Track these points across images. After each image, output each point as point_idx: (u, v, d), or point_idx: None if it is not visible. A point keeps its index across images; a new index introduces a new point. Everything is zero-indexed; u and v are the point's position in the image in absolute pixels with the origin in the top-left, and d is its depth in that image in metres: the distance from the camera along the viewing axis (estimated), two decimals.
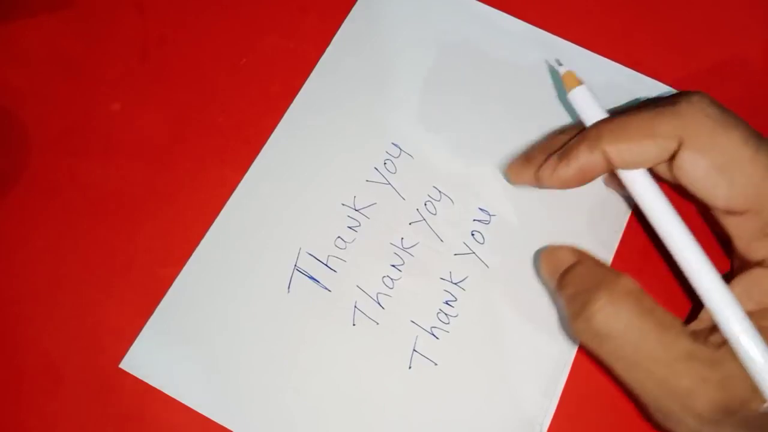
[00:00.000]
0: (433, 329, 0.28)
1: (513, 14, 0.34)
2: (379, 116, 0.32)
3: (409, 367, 0.28)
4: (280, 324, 0.28)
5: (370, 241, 0.30)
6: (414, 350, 0.28)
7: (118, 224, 0.30)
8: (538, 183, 0.25)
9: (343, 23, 0.33)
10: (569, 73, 0.27)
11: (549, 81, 0.33)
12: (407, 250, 0.29)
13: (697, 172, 0.22)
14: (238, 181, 0.30)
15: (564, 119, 0.32)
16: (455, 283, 0.29)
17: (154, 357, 0.28)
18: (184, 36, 0.34)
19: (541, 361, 0.28)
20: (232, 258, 0.29)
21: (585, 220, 0.30)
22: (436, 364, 0.28)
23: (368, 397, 0.27)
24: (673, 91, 0.32)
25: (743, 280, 0.23)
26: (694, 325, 0.23)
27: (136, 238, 0.30)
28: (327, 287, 0.29)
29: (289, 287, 0.29)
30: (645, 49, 0.33)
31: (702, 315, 0.23)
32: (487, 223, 0.30)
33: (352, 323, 0.28)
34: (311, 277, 0.29)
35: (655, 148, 0.22)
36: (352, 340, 0.28)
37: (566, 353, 0.28)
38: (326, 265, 0.29)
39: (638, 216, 0.30)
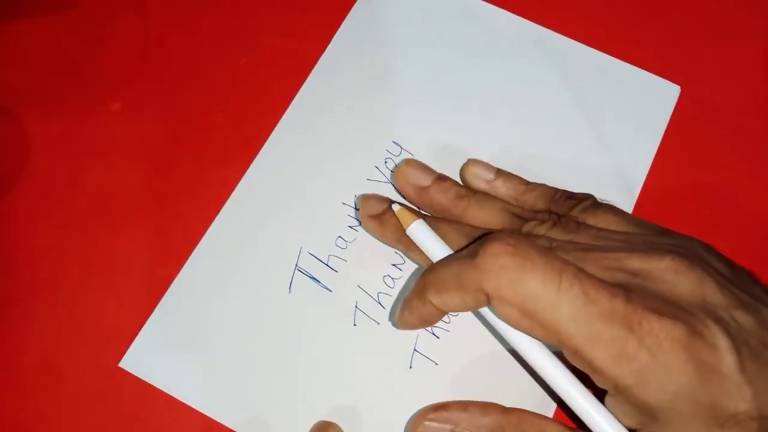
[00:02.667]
0: (433, 328, 0.28)
1: (514, 12, 0.34)
2: (380, 115, 0.32)
3: (410, 367, 0.28)
4: (280, 324, 0.28)
5: (370, 241, 0.30)
6: (415, 350, 0.28)
7: (118, 224, 0.30)
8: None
9: (343, 23, 0.33)
10: (403, 210, 0.26)
11: (549, 79, 0.33)
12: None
13: (511, 320, 0.22)
14: (238, 181, 0.30)
15: (564, 118, 0.32)
16: None
17: (154, 356, 0.28)
18: (184, 36, 0.34)
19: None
20: (233, 257, 0.29)
21: None
22: (436, 364, 0.28)
23: (369, 397, 0.27)
24: (673, 86, 0.32)
25: (608, 405, 0.22)
26: None
27: (135, 238, 0.30)
28: (328, 287, 0.29)
29: (290, 287, 0.29)
30: (645, 46, 0.33)
31: None
32: None
33: (353, 323, 0.28)
34: (312, 277, 0.29)
35: (470, 299, 0.22)
36: (353, 339, 0.28)
37: None
38: (327, 264, 0.29)
39: (638, 214, 0.30)
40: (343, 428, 0.26)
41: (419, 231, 0.26)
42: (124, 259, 0.29)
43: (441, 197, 0.28)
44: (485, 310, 0.24)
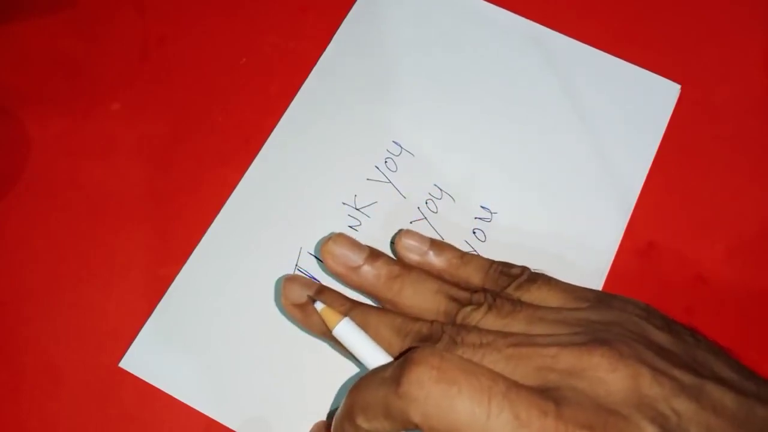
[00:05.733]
0: None
1: (514, 11, 0.34)
2: (380, 115, 0.32)
3: None
4: (280, 324, 0.28)
5: (371, 240, 0.29)
6: None
7: (118, 224, 0.30)
8: None
9: (343, 23, 0.33)
10: (326, 309, 0.25)
11: (549, 78, 0.33)
12: None
13: None
14: (238, 181, 0.30)
15: (564, 117, 0.32)
16: None
17: (154, 356, 0.28)
18: (184, 36, 0.34)
19: None
20: (233, 257, 0.29)
21: (585, 217, 0.30)
22: None
23: None
24: (674, 85, 0.32)
25: None
26: None
27: (135, 238, 0.30)
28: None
29: None
30: (645, 45, 0.33)
31: None
32: (489, 221, 0.30)
33: None
34: (312, 277, 0.29)
35: (401, 427, 0.21)
36: None
37: None
38: None
39: (639, 214, 0.30)
40: None
41: (346, 332, 0.24)
42: (124, 259, 0.29)
43: (372, 279, 0.26)
44: None
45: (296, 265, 0.29)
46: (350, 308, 0.26)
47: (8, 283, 0.29)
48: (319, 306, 0.25)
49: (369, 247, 0.27)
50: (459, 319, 0.24)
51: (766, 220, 0.31)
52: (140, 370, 0.27)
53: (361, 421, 0.22)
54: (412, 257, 0.27)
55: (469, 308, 0.25)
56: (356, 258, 0.27)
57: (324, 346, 0.28)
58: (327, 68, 0.33)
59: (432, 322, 0.24)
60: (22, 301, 0.29)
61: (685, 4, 0.35)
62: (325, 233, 0.30)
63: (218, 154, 0.31)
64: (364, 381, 0.23)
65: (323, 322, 0.25)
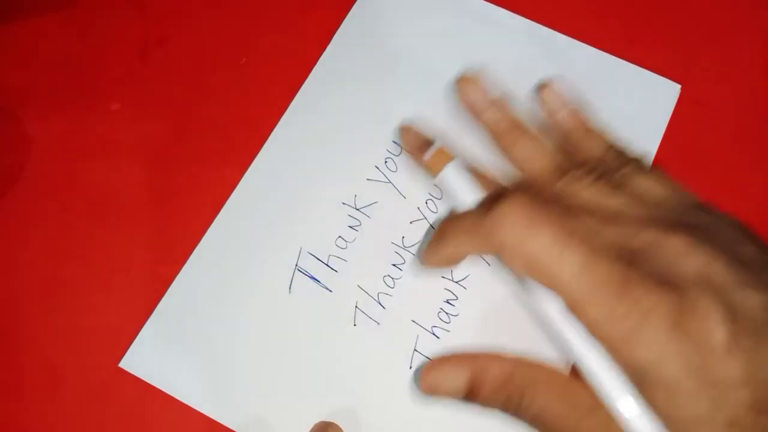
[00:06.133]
0: (434, 328, 0.28)
1: (514, 11, 0.34)
2: (380, 114, 0.32)
3: (410, 367, 0.28)
4: (280, 324, 0.28)
5: (371, 241, 0.30)
6: (415, 350, 0.28)
7: (118, 224, 0.30)
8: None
9: (343, 22, 0.33)
10: (440, 151, 0.28)
11: (550, 78, 0.32)
12: (408, 249, 0.29)
13: (516, 272, 0.23)
14: (238, 181, 0.30)
15: None
16: (456, 282, 0.29)
17: (154, 356, 0.28)
18: (184, 36, 0.34)
19: (541, 360, 0.28)
20: (233, 257, 0.29)
21: None
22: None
23: (369, 397, 0.27)
24: (674, 85, 0.32)
25: None
26: None
27: (135, 238, 0.30)
28: (328, 287, 0.29)
29: (290, 287, 0.29)
30: (645, 45, 0.33)
31: None
32: None
33: (353, 323, 0.28)
34: (312, 277, 0.29)
35: (482, 248, 0.24)
36: (353, 340, 0.28)
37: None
38: (327, 264, 0.29)
39: None
40: (343, 428, 0.26)
41: (452, 174, 0.27)
42: (123, 259, 0.29)
43: (494, 121, 0.29)
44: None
45: (296, 265, 0.29)
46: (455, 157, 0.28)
47: (8, 283, 0.29)
48: (433, 147, 0.28)
49: (501, 94, 0.30)
50: (563, 182, 0.26)
51: (766, 220, 0.31)
52: (140, 370, 0.27)
53: (450, 238, 0.25)
54: (544, 108, 0.30)
55: (576, 173, 0.26)
56: (485, 99, 0.30)
57: (324, 346, 0.28)
58: (327, 68, 0.33)
59: (537, 176, 0.27)
60: (22, 301, 0.29)
61: (685, 5, 0.35)
62: (325, 233, 0.30)
63: (218, 154, 0.31)
64: (460, 212, 0.26)
65: (432, 164, 0.27)
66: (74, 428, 0.27)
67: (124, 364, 0.27)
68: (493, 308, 0.28)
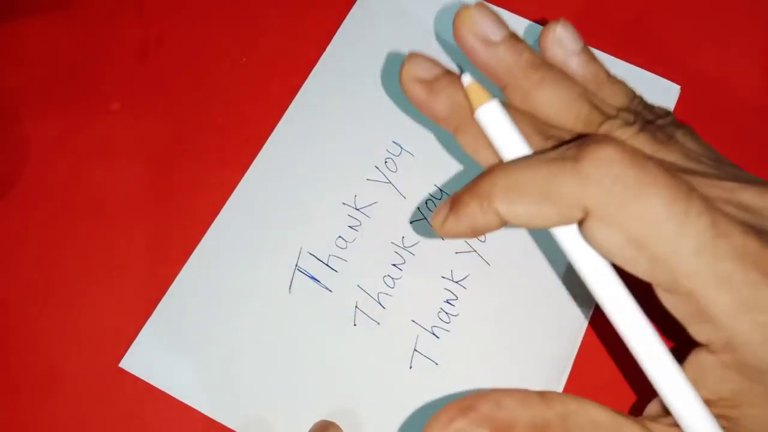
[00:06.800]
0: (434, 328, 0.28)
1: (513, 11, 0.34)
2: (380, 114, 0.32)
3: (410, 367, 0.28)
4: (280, 324, 0.28)
5: (371, 241, 0.30)
6: (415, 350, 0.28)
7: (117, 224, 0.30)
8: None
9: (343, 23, 0.33)
10: (475, 85, 0.21)
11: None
12: (408, 249, 0.29)
13: (611, 247, 0.18)
14: (238, 181, 0.30)
15: None
16: (456, 282, 0.29)
17: (154, 356, 0.28)
18: (184, 36, 0.34)
19: (542, 360, 0.28)
20: (233, 257, 0.29)
21: None
22: (437, 364, 0.28)
23: (369, 396, 0.27)
24: (674, 85, 0.32)
25: (694, 364, 0.19)
26: (648, 411, 0.21)
27: (135, 238, 0.30)
28: (328, 287, 0.29)
29: (290, 287, 0.29)
30: (645, 45, 0.33)
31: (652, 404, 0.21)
32: None
33: (353, 323, 0.28)
34: (312, 277, 0.29)
35: (556, 214, 0.18)
36: (353, 340, 0.28)
37: (568, 352, 0.28)
38: (327, 264, 0.29)
39: None
40: (343, 428, 0.26)
41: (494, 116, 0.20)
42: (124, 259, 0.29)
43: (511, 59, 0.22)
44: (561, 230, 0.19)
45: (296, 265, 0.29)
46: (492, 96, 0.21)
47: (8, 283, 0.29)
48: (467, 79, 0.21)
49: (510, 28, 0.23)
50: (602, 132, 0.21)
51: None
52: (140, 370, 0.27)
53: (501, 202, 0.18)
54: (558, 52, 0.23)
55: (616, 122, 0.21)
56: (496, 32, 0.22)
57: (324, 346, 0.28)
58: (327, 68, 0.33)
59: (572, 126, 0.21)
60: (22, 301, 0.29)
61: (685, 5, 0.35)
62: (325, 233, 0.30)
63: (218, 154, 0.31)
64: (516, 162, 0.19)
65: (452, 100, 0.21)
66: (74, 428, 0.27)
67: (124, 364, 0.27)
68: (493, 308, 0.28)
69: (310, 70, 0.32)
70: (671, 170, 0.18)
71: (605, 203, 0.17)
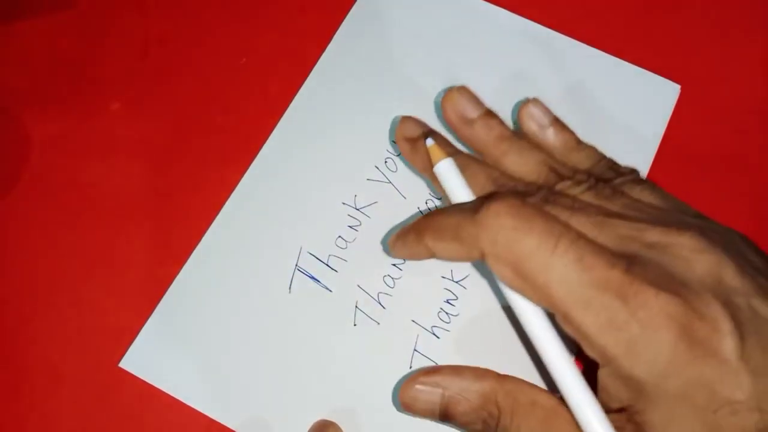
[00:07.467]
0: (434, 328, 0.28)
1: (513, 11, 0.34)
2: (380, 115, 0.32)
3: (410, 367, 0.28)
4: (281, 324, 0.28)
5: (371, 241, 0.30)
6: (415, 350, 0.28)
7: (118, 224, 0.30)
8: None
9: (343, 22, 0.33)
10: (435, 147, 0.26)
11: (549, 78, 0.33)
12: None
13: (504, 278, 0.22)
14: (238, 181, 0.30)
15: (564, 117, 0.32)
16: (456, 282, 0.29)
17: (154, 356, 0.28)
18: (184, 36, 0.34)
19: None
20: (233, 257, 0.29)
21: None
22: (437, 364, 0.28)
23: (369, 396, 0.27)
24: (674, 85, 0.32)
25: (599, 376, 0.22)
26: None
27: (135, 238, 0.30)
28: (328, 287, 0.29)
29: (290, 287, 0.29)
30: (645, 45, 0.33)
31: None
32: None
33: (353, 323, 0.28)
34: (312, 277, 0.29)
35: (464, 252, 0.22)
36: (353, 339, 0.28)
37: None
38: (327, 264, 0.29)
39: None
40: (342, 428, 0.26)
41: (446, 170, 0.26)
42: (124, 259, 0.29)
43: (483, 134, 0.27)
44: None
45: (296, 265, 0.29)
46: (455, 152, 0.27)
47: (8, 283, 0.29)
48: (429, 142, 0.26)
49: (486, 106, 0.28)
50: (558, 187, 0.25)
51: (766, 219, 0.31)
52: (140, 370, 0.27)
53: (430, 240, 0.24)
54: (531, 126, 0.27)
55: (569, 182, 0.25)
56: (473, 111, 0.28)
57: (324, 346, 0.28)
58: (327, 68, 0.33)
59: (530, 183, 0.25)
60: (22, 301, 0.29)
61: (685, 5, 0.35)
62: (325, 233, 0.30)
63: (218, 154, 0.31)
64: (443, 209, 0.24)
65: (428, 158, 0.26)
66: (74, 428, 0.27)
67: (124, 364, 0.27)
68: (493, 308, 0.28)
69: (310, 70, 0.32)
70: (552, 218, 0.21)
71: (492, 245, 0.21)
